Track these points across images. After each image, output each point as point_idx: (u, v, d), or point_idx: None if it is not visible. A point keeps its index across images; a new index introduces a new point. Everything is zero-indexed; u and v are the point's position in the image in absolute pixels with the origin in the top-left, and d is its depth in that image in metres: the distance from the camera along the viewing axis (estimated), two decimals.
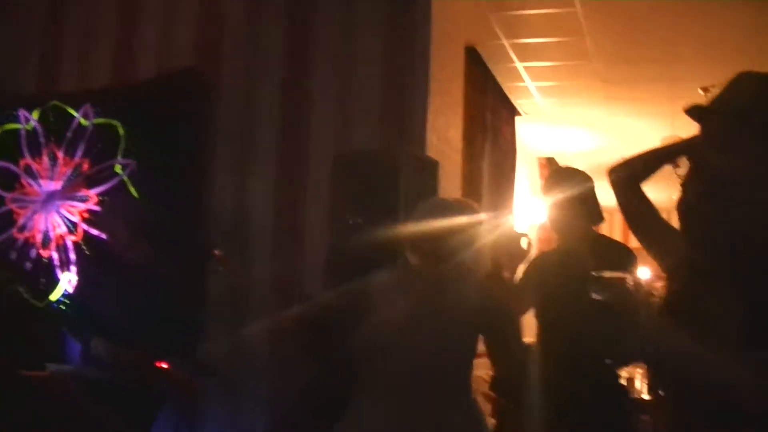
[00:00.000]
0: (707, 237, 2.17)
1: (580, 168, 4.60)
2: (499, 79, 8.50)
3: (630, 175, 2.70)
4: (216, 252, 4.65)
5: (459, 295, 3.43)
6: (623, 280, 1.84)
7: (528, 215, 10.02)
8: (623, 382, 5.04)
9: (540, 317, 4.52)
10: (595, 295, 1.86)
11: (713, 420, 1.88)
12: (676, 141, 2.67)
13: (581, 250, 4.13)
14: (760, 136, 2.04)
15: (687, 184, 2.74)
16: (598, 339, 3.32)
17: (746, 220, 2.01)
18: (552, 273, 4.34)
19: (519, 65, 8.22)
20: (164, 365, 4.78)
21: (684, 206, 2.29)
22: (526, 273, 4.38)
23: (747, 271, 1.89)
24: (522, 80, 8.63)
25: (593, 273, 1.85)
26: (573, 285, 3.07)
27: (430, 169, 5.40)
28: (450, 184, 6.26)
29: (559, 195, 4.37)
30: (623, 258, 3.98)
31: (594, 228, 4.49)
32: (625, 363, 4.97)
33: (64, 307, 6.15)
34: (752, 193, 2.02)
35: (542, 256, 4.42)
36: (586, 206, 4.40)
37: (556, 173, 4.93)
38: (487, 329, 3.45)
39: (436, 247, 3.43)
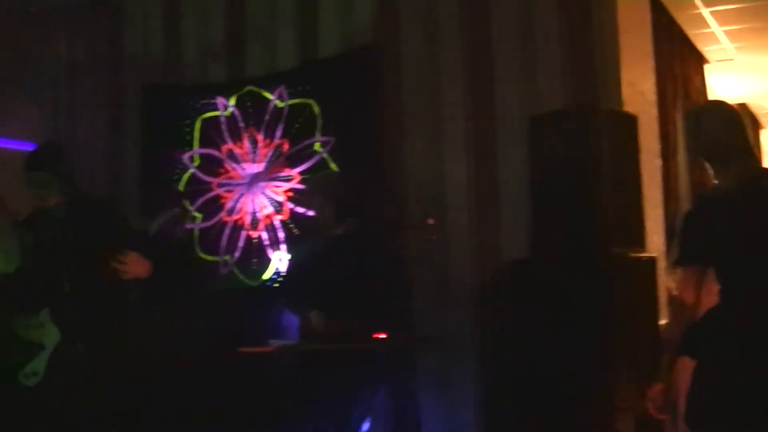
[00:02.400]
0: None
1: None
2: (684, 26, 8.28)
3: None
4: (430, 221, 4.71)
5: None
6: None
7: None
8: None
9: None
10: None
11: None
12: None
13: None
14: None
15: None
16: None
17: None
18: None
19: (704, 11, 7.98)
20: (381, 336, 4.87)
21: None
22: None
23: None
24: (708, 26, 8.37)
25: None
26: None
27: (628, 124, 5.33)
28: (648, 138, 6.15)
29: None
30: None
31: None
32: None
33: (277, 285, 6.36)
34: None
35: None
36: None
37: None
38: None
39: None
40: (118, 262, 4.66)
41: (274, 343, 5.25)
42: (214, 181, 6.82)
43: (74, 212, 4.84)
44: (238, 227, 6.68)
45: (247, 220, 6.65)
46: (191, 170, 6.89)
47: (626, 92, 5.83)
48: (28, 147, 6.68)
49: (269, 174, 6.60)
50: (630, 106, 5.77)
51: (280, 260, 6.42)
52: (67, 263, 4.75)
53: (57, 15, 7.59)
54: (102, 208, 5.13)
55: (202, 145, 6.91)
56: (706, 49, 8.99)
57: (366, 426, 5.11)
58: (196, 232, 6.73)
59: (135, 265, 4.74)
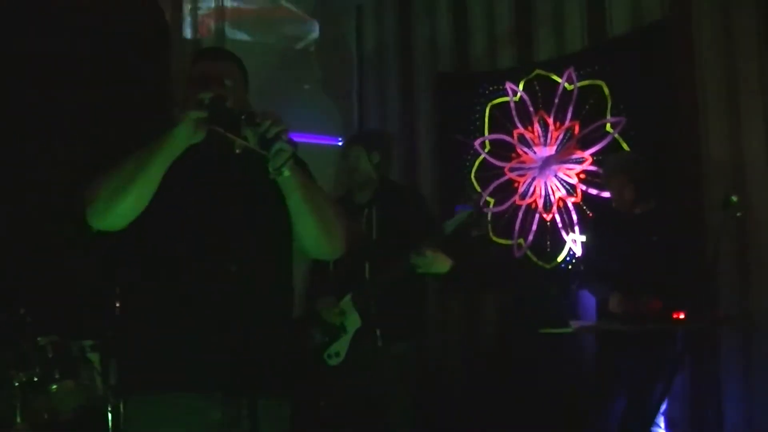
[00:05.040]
0: None
1: None
2: None
3: None
4: (733, 198, 4.60)
5: None
6: None
7: None
8: None
9: None
10: None
11: None
12: None
13: None
14: None
15: None
16: None
17: None
18: None
19: None
20: (681, 316, 4.82)
21: None
22: None
23: None
24: None
25: None
26: None
27: None
28: None
29: None
30: None
31: None
32: None
33: (572, 267, 6.40)
34: None
35: None
36: None
37: None
38: None
39: None
40: (418, 256, 4.84)
41: (574, 324, 5.30)
42: (506, 165, 6.93)
43: (381, 199, 5.07)
44: (531, 210, 6.77)
45: (540, 203, 6.73)
46: (483, 156, 7.04)
47: None
48: (330, 141, 7.08)
49: (561, 157, 6.64)
50: None
51: (574, 242, 6.45)
52: (371, 251, 4.98)
53: (346, 7, 7.88)
54: (410, 197, 5.33)
55: (493, 130, 7.04)
56: None
57: (664, 407, 5.08)
58: (490, 216, 6.84)
59: (435, 263, 4.91)
